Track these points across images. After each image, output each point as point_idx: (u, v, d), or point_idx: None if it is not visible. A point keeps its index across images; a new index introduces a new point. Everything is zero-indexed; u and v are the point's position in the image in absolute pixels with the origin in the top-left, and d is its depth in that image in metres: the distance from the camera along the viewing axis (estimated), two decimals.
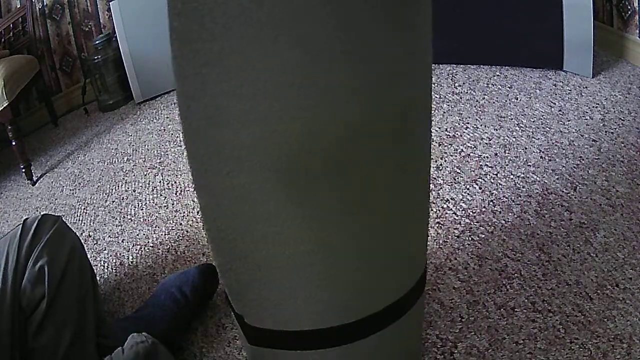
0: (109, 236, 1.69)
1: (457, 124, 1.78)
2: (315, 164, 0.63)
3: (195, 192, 0.76)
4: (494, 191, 1.45)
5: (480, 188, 1.48)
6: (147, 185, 1.92)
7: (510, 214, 1.36)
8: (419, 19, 0.66)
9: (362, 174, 0.67)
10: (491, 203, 1.41)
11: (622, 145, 1.52)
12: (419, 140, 0.74)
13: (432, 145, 1.69)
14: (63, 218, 1.26)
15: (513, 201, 1.40)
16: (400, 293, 0.79)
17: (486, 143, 1.66)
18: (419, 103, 0.71)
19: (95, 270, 1.43)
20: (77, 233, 1.69)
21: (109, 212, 1.82)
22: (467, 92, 1.95)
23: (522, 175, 1.49)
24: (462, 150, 1.65)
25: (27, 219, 1.17)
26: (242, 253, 0.72)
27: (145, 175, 1.99)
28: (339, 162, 0.64)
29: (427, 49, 0.70)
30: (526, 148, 1.59)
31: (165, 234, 1.61)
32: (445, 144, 1.69)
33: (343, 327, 0.76)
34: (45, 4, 2.66)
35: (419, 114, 0.72)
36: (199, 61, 0.60)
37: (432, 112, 1.86)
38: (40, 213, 1.94)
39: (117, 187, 1.97)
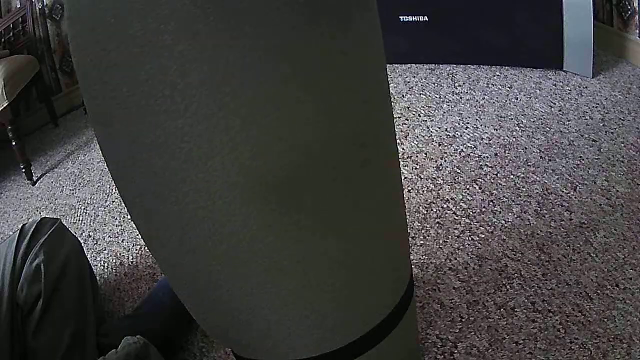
0: (109, 236, 1.69)
1: (457, 124, 1.78)
2: (273, 198, 0.60)
3: (149, 250, 0.74)
4: (494, 191, 1.45)
5: (480, 188, 1.48)
6: None
7: (510, 214, 1.36)
8: (364, 34, 0.63)
9: (329, 198, 0.64)
10: (491, 203, 1.41)
11: (622, 145, 1.52)
12: (385, 157, 0.72)
13: (432, 146, 1.69)
14: (63, 218, 1.27)
15: (513, 201, 1.40)
16: (386, 312, 0.78)
17: (486, 143, 1.66)
18: (378, 121, 0.69)
19: (95, 270, 1.43)
20: (77, 233, 1.70)
21: (109, 212, 1.82)
22: (467, 92, 1.94)
23: (522, 175, 1.49)
24: (462, 150, 1.65)
25: (25, 223, 1.18)
26: (217, 302, 0.71)
27: None
28: (300, 191, 0.61)
29: (381, 71, 0.68)
30: (526, 148, 1.59)
31: None
32: (445, 144, 1.69)
33: (330, 355, 0.75)
34: (45, 4, 2.66)
35: (381, 131, 0.70)
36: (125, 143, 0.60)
37: (432, 112, 1.87)
38: (40, 213, 1.95)
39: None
